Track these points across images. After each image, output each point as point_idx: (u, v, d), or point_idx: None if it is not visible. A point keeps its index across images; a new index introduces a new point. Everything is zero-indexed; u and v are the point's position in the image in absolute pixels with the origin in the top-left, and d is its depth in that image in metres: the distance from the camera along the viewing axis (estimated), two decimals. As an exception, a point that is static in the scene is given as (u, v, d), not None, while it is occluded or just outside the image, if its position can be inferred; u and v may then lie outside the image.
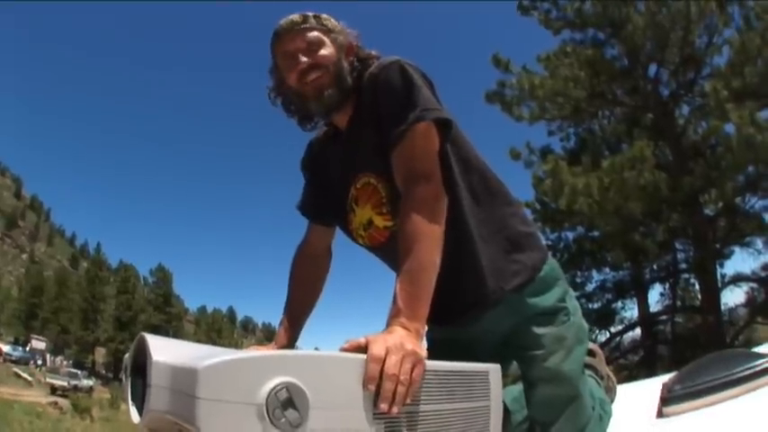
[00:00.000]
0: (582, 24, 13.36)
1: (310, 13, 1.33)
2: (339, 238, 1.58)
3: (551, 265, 1.39)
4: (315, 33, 1.31)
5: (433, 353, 1.04)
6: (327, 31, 1.33)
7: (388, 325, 1.02)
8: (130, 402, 1.02)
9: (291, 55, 1.31)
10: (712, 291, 12.73)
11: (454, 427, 1.00)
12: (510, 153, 13.63)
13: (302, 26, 1.31)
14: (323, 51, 1.30)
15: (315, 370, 0.84)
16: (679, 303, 15.78)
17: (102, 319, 66.26)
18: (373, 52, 1.38)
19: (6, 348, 45.66)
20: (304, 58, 1.29)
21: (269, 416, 0.77)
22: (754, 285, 14.44)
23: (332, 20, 1.36)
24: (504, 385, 1.23)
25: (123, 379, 1.11)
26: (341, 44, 1.33)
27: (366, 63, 1.34)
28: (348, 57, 1.34)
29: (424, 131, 1.20)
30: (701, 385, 1.95)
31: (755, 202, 12.89)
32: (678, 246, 15.21)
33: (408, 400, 0.90)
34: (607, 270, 15.82)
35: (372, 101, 1.27)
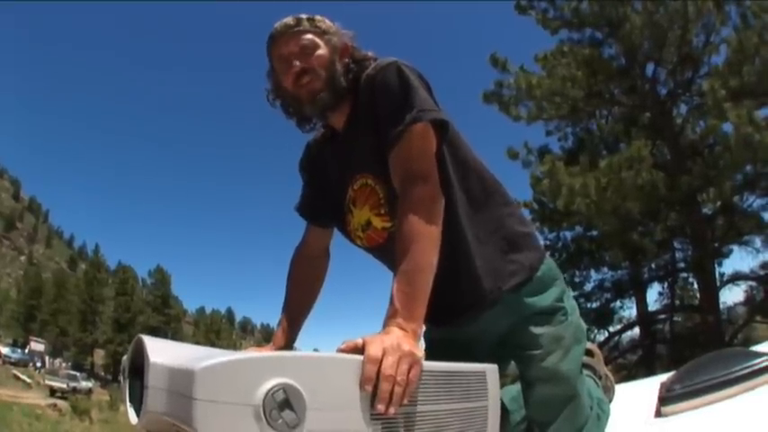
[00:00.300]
0: (579, 24, 13.38)
1: (304, 16, 1.34)
2: (337, 239, 1.58)
3: (549, 264, 1.40)
4: (308, 36, 1.32)
5: (431, 353, 1.04)
6: (321, 33, 1.33)
7: (385, 326, 1.02)
8: (128, 404, 1.02)
9: (285, 59, 1.32)
10: (711, 290, 12.75)
11: (452, 427, 1.00)
12: (508, 153, 13.66)
13: (295, 29, 1.32)
14: (316, 54, 1.31)
15: (312, 371, 0.84)
16: (677, 302, 15.80)
17: (101, 321, 66.16)
18: (369, 53, 1.38)
19: (5, 350, 45.51)
20: (297, 62, 1.30)
21: (266, 417, 0.77)
22: (753, 284, 14.48)
23: (326, 21, 1.36)
24: (503, 385, 1.24)
25: (121, 381, 1.11)
26: (335, 45, 1.34)
27: (362, 64, 1.34)
28: (342, 58, 1.34)
29: (422, 132, 1.20)
30: (700, 384, 1.95)
31: (753, 201, 12.96)
32: (676, 245, 15.25)
33: (405, 401, 0.90)
34: (605, 269, 15.84)
35: (369, 102, 1.27)
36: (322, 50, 1.32)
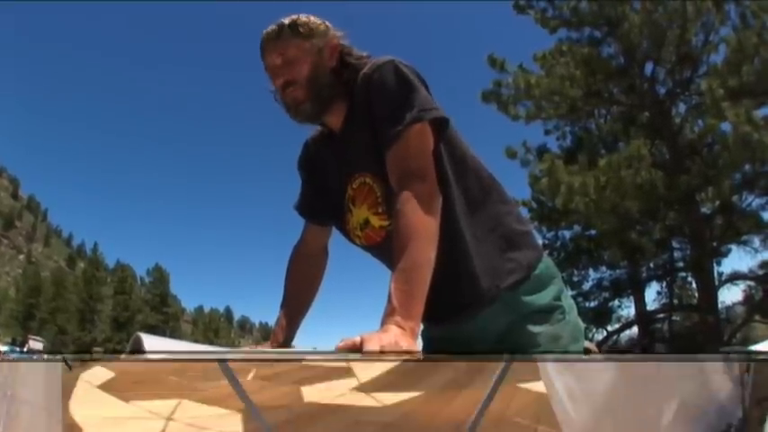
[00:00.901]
0: (578, 23, 13.39)
1: (287, 21, 1.31)
2: (336, 238, 1.58)
3: (546, 263, 1.40)
4: (290, 48, 1.31)
5: (429, 351, 1.04)
6: (304, 38, 1.31)
7: (383, 323, 1.02)
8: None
9: (271, 70, 1.34)
10: (709, 289, 12.77)
11: (449, 425, 1.00)
12: (506, 152, 13.69)
13: (277, 40, 1.32)
14: (298, 67, 1.31)
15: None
16: (676, 302, 15.83)
17: (100, 320, 66.21)
18: (364, 53, 1.37)
19: (4, 349, 45.32)
20: (279, 76, 1.32)
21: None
22: (752, 283, 14.51)
23: (312, 22, 1.33)
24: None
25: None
26: (320, 49, 1.32)
27: (355, 64, 1.34)
28: (330, 60, 1.33)
29: (420, 131, 1.20)
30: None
31: (752, 200, 13.01)
32: (675, 244, 15.29)
33: (403, 399, 0.91)
34: (604, 268, 15.89)
35: (366, 101, 1.27)
36: (304, 61, 1.31)
